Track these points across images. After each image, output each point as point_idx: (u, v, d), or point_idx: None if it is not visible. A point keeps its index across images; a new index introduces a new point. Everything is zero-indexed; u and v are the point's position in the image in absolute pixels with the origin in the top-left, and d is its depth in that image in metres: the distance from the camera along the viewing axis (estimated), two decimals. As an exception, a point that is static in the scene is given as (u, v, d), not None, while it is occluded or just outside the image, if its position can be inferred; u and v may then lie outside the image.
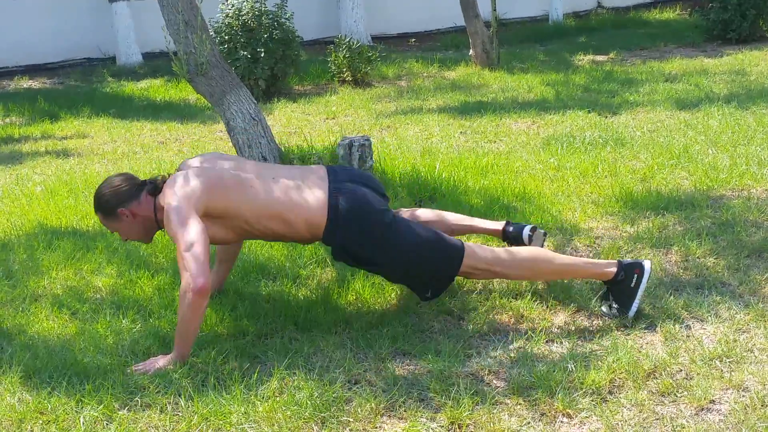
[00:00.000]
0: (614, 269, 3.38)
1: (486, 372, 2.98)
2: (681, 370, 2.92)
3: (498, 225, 3.81)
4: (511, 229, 3.76)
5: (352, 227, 3.23)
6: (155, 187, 3.30)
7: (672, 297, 3.48)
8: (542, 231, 3.78)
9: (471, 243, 3.49)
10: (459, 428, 2.64)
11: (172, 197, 3.13)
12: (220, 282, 3.70)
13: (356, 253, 3.28)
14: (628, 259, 3.64)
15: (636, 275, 3.34)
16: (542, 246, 3.73)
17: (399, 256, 3.27)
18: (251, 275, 3.88)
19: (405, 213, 3.67)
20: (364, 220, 3.25)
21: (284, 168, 3.56)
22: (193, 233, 3.03)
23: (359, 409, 2.74)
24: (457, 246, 3.33)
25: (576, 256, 3.93)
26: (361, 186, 3.34)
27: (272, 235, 3.33)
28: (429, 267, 3.32)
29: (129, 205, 3.27)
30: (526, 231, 3.73)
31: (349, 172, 3.45)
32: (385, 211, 3.31)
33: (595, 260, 3.51)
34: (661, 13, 15.90)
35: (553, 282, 3.62)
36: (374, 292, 3.63)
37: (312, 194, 3.26)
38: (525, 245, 3.67)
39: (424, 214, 3.74)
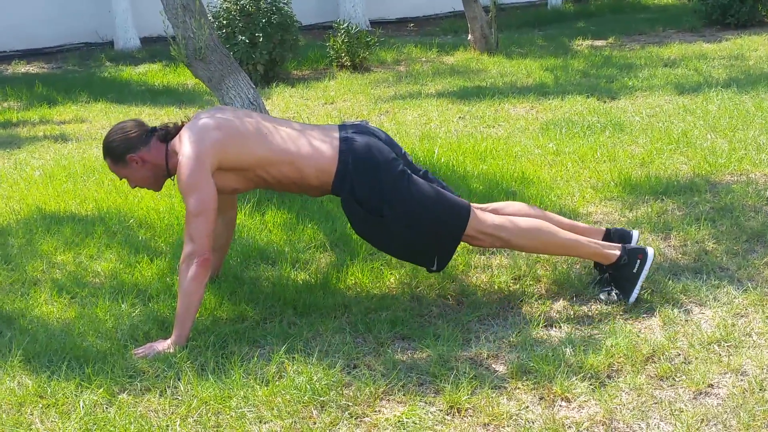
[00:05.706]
0: (617, 252, 3.36)
1: (485, 356, 2.99)
2: (679, 355, 2.93)
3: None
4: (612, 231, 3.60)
5: (361, 175, 3.20)
6: (167, 133, 3.28)
7: (671, 281, 3.48)
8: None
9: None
10: (458, 412, 2.65)
11: (187, 147, 3.11)
12: (215, 269, 3.68)
13: (364, 201, 3.21)
14: (632, 244, 3.58)
15: (639, 261, 3.31)
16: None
17: (407, 207, 3.20)
18: (250, 260, 3.88)
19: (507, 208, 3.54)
20: (374, 168, 3.21)
21: (297, 122, 3.53)
22: (203, 200, 3.04)
23: (358, 393, 2.75)
24: (464, 204, 3.30)
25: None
26: (372, 137, 3.32)
27: (286, 181, 3.28)
28: (436, 221, 3.25)
29: (138, 152, 3.24)
30: (634, 232, 3.61)
31: (360, 125, 3.42)
32: (395, 161, 3.26)
33: (600, 241, 3.46)
34: (660, -2, 15.85)
35: (552, 266, 3.62)
36: (373, 276, 3.64)
37: (323, 143, 3.25)
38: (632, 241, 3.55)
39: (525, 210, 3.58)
